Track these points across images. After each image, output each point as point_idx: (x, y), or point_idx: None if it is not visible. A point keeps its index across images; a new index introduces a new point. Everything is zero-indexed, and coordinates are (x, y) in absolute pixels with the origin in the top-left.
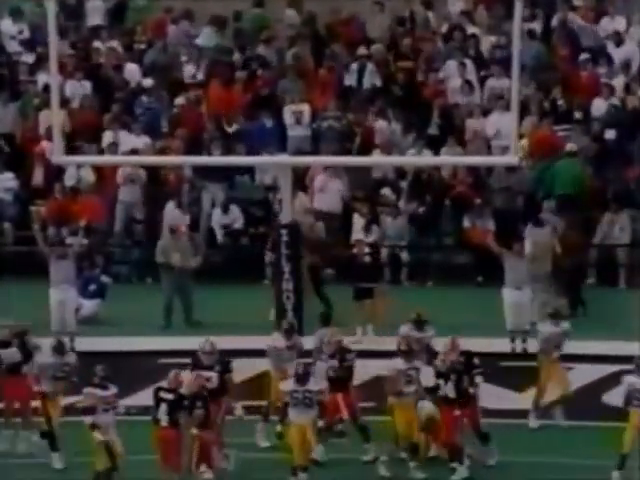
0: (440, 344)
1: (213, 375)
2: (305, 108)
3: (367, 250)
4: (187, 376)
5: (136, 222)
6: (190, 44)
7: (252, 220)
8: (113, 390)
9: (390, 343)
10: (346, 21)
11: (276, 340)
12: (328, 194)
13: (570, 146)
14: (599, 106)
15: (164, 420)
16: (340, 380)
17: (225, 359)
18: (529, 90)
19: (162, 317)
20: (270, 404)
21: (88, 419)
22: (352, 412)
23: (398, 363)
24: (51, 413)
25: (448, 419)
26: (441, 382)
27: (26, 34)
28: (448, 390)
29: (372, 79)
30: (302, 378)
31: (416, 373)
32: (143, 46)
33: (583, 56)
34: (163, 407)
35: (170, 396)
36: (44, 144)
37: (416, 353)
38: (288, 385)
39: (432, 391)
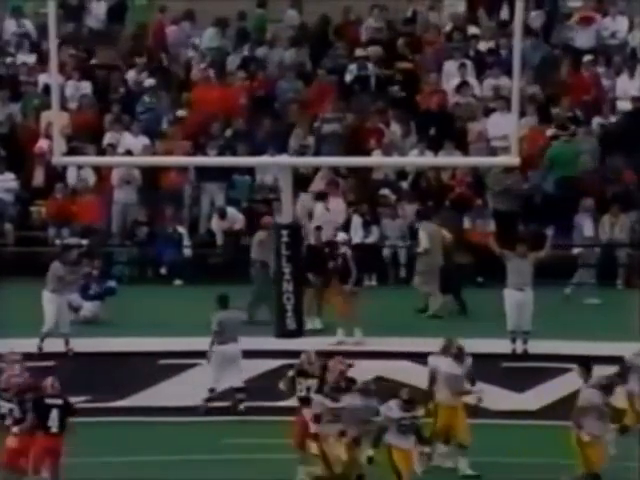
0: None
1: None
2: (310, 142)
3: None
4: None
5: (134, 223)
6: (190, 44)
7: (253, 220)
8: (343, 402)
9: (382, 344)
10: (351, 22)
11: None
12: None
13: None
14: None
15: (54, 427)
16: None
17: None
18: (533, 88)
19: (248, 313)
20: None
21: (313, 428)
22: None
23: (595, 396)
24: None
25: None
26: None
27: (27, 34)
28: None
29: (371, 80)
30: (409, 404)
31: (607, 408)
32: (143, 47)
33: (585, 57)
34: (54, 413)
35: (59, 401)
36: (42, 143)
37: (614, 388)
38: (394, 412)
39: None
